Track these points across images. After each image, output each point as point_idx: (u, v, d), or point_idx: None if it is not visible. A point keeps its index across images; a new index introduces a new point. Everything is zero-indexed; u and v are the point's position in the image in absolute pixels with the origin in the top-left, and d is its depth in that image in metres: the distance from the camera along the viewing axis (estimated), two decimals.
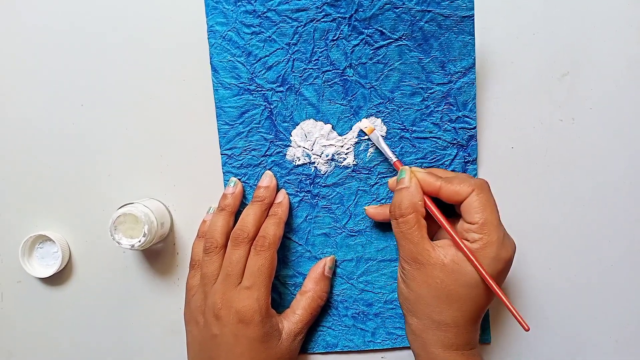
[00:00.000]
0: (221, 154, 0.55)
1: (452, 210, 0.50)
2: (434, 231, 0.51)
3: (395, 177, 0.52)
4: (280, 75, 0.54)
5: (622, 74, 0.55)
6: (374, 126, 0.53)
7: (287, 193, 0.55)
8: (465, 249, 0.45)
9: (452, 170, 0.54)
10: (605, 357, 0.56)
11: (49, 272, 0.57)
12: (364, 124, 0.53)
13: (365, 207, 0.55)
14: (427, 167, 0.54)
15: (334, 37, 0.53)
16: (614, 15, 0.55)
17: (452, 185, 0.47)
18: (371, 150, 0.54)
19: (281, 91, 0.54)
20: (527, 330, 0.45)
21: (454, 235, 0.46)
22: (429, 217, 0.48)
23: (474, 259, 0.45)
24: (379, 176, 0.54)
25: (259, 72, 0.54)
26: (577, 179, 0.56)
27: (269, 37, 0.53)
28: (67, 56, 0.57)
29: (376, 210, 0.54)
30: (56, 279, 0.58)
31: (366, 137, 0.54)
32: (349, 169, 0.54)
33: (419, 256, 0.46)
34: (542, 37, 0.55)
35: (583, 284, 0.56)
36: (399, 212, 0.48)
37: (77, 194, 0.58)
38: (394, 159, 0.52)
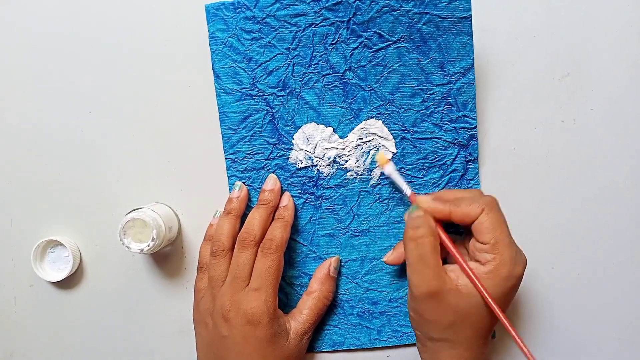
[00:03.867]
0: (225, 158, 0.56)
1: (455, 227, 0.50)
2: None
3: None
4: (281, 80, 0.54)
5: (623, 75, 0.55)
6: (385, 156, 0.53)
7: (291, 195, 0.55)
8: (473, 277, 0.46)
9: (453, 170, 0.54)
10: (609, 355, 0.56)
11: (60, 276, 0.58)
12: (379, 156, 0.53)
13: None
14: (429, 168, 0.54)
15: (333, 40, 0.53)
16: (615, 16, 0.54)
17: (461, 208, 0.47)
18: (372, 152, 0.55)
19: (282, 95, 0.54)
20: None
21: (464, 264, 0.46)
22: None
23: (481, 288, 0.45)
24: (381, 177, 0.55)
25: (260, 77, 0.54)
26: (578, 180, 0.56)
27: (269, 42, 0.54)
28: (75, 65, 0.57)
29: (394, 255, 0.54)
30: (67, 283, 0.59)
31: (367, 139, 0.54)
32: (351, 171, 0.55)
33: (433, 283, 0.46)
34: (543, 39, 0.55)
35: (586, 283, 0.56)
36: (417, 234, 0.47)
37: (86, 199, 0.59)
38: (409, 192, 0.51)
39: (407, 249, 0.48)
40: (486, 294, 0.45)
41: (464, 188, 0.55)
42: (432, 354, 0.49)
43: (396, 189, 0.55)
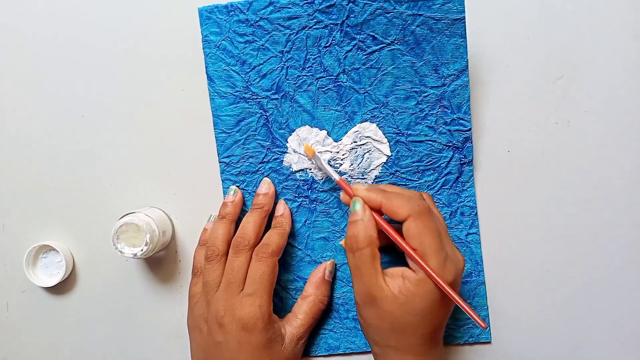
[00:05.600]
0: (219, 162, 0.55)
1: None
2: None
3: (343, 192, 0.52)
4: (274, 83, 0.54)
5: (618, 77, 0.55)
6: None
7: (286, 199, 0.55)
8: (427, 268, 0.45)
9: (448, 173, 0.54)
10: (604, 356, 0.56)
11: (53, 281, 0.57)
12: (306, 147, 0.53)
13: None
14: (423, 171, 0.54)
15: (326, 43, 0.53)
16: (608, 18, 0.54)
17: (392, 203, 0.47)
18: (367, 155, 0.54)
19: (276, 98, 0.54)
20: (484, 328, 0.45)
21: (415, 256, 0.46)
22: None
23: (432, 274, 0.45)
24: (376, 180, 0.55)
25: (254, 80, 0.54)
26: (573, 181, 0.56)
27: (262, 45, 0.53)
28: (68, 68, 0.57)
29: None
30: (60, 288, 0.59)
31: (362, 143, 0.54)
32: (346, 174, 0.55)
33: (372, 290, 0.46)
34: (537, 41, 0.55)
35: (581, 285, 0.56)
36: (355, 246, 0.47)
37: (79, 204, 0.58)
38: (337, 178, 0.51)
39: (347, 257, 0.49)
40: (425, 266, 0.45)
41: (459, 191, 0.55)
42: None
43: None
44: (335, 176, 0.52)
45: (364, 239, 0.47)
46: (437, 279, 0.45)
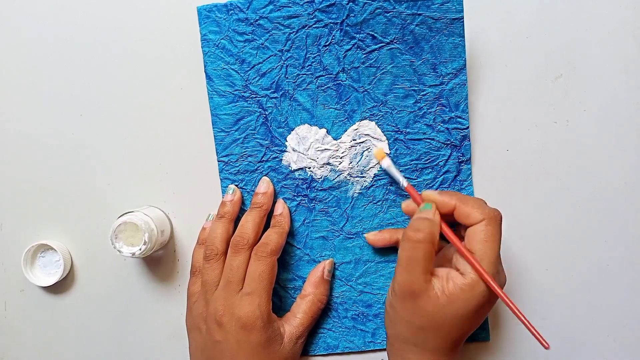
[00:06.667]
0: (218, 161, 0.56)
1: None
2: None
3: (408, 201, 0.51)
4: (274, 82, 0.54)
5: (617, 76, 0.55)
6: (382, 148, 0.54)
7: (284, 198, 0.55)
8: (485, 275, 0.45)
9: (446, 171, 0.54)
10: (604, 356, 0.56)
11: (51, 280, 0.57)
12: (377, 151, 0.53)
13: (365, 235, 0.55)
14: (422, 169, 0.54)
15: (326, 42, 0.53)
16: (608, 17, 0.55)
17: (467, 206, 0.47)
18: (366, 153, 0.54)
19: (275, 97, 0.54)
20: (547, 348, 0.44)
21: (475, 264, 0.45)
22: None
23: (486, 277, 0.45)
24: (375, 178, 0.55)
25: (253, 79, 0.54)
26: (572, 181, 0.56)
27: (262, 44, 0.54)
28: (66, 67, 0.57)
29: (376, 237, 0.54)
30: (58, 287, 0.59)
31: (361, 140, 0.54)
32: (345, 172, 0.55)
33: (416, 286, 0.46)
34: (536, 40, 0.55)
35: (580, 284, 0.56)
36: (415, 237, 0.46)
37: (78, 203, 0.58)
38: (406, 184, 0.51)
39: (401, 246, 0.47)
40: (492, 283, 0.45)
41: (457, 189, 0.55)
42: (399, 357, 0.49)
43: (394, 182, 0.55)
44: (404, 182, 0.51)
45: (428, 235, 0.46)
46: (494, 284, 0.45)
